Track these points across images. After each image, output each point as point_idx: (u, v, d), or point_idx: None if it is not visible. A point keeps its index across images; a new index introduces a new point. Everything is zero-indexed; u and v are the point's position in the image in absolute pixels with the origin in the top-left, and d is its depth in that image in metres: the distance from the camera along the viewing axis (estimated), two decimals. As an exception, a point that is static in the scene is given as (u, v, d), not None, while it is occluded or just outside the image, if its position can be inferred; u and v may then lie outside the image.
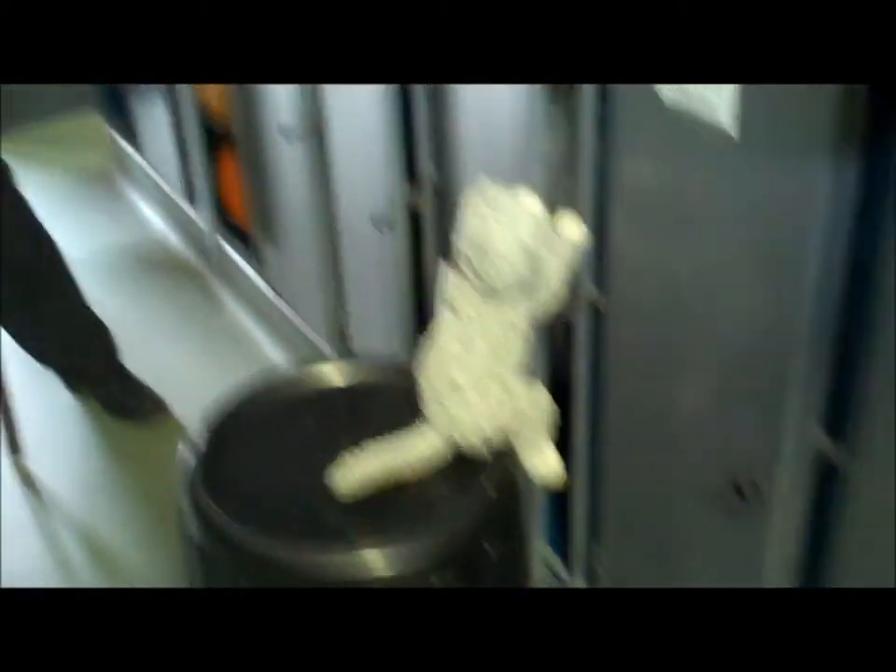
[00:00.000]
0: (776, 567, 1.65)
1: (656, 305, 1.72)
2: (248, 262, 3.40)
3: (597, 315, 1.89)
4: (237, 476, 1.59)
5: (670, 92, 1.54)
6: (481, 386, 1.55)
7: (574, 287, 1.85)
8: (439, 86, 2.06)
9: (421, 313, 2.39)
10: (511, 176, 1.67)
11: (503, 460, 1.59)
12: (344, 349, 2.87)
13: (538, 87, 1.78)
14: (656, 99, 1.56)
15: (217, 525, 1.48)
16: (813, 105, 1.31)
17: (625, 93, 1.66)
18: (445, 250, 2.22)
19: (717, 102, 1.46)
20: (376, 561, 1.41)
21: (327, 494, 1.53)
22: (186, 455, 1.60)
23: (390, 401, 1.71)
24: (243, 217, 3.35)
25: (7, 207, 2.66)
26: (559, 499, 2.19)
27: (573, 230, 1.65)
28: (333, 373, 1.78)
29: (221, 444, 1.63)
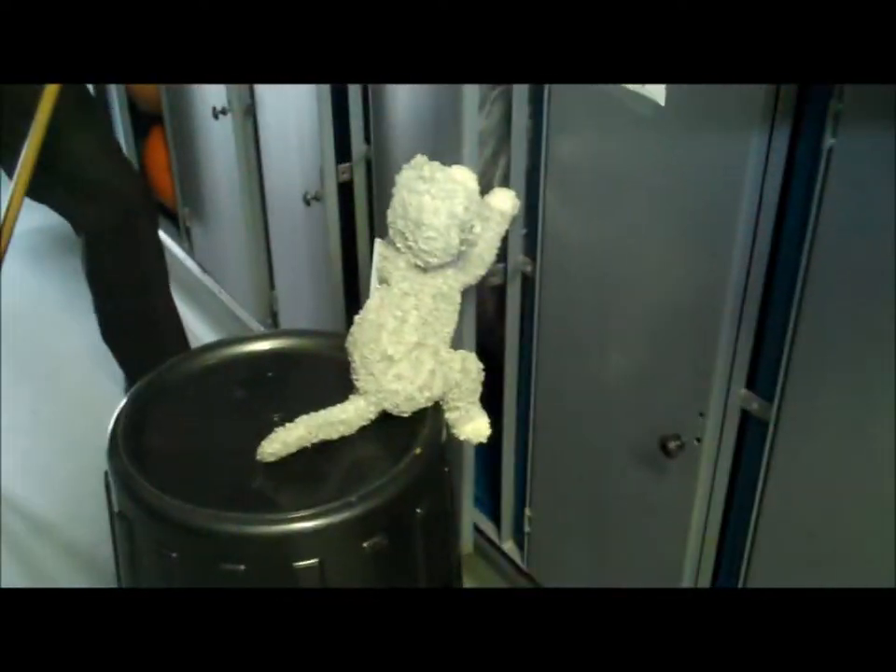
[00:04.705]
0: (702, 521, 1.68)
1: (586, 272, 1.73)
2: (176, 242, 3.37)
3: (527, 283, 1.91)
4: (162, 446, 1.58)
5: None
6: (414, 358, 1.56)
7: (505, 255, 1.87)
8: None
9: (350, 289, 2.39)
10: (445, 152, 1.68)
11: (431, 423, 1.59)
12: (273, 326, 2.86)
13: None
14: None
15: (141, 493, 1.46)
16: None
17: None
18: (375, 225, 2.23)
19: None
20: (305, 527, 1.40)
21: (255, 462, 1.52)
22: (111, 426, 1.58)
23: (317, 372, 1.72)
24: (170, 197, 3.33)
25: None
26: (489, 463, 2.21)
27: (506, 202, 1.67)
28: (259, 345, 1.77)
29: (147, 414, 1.62)
